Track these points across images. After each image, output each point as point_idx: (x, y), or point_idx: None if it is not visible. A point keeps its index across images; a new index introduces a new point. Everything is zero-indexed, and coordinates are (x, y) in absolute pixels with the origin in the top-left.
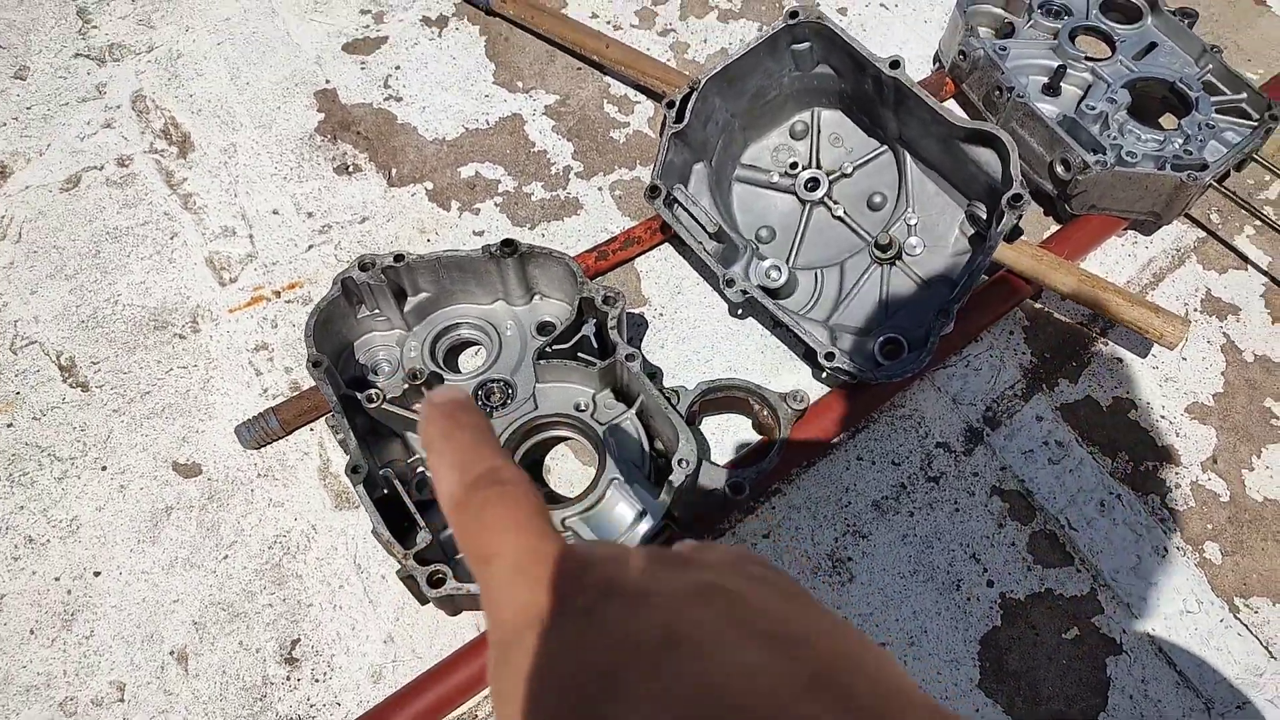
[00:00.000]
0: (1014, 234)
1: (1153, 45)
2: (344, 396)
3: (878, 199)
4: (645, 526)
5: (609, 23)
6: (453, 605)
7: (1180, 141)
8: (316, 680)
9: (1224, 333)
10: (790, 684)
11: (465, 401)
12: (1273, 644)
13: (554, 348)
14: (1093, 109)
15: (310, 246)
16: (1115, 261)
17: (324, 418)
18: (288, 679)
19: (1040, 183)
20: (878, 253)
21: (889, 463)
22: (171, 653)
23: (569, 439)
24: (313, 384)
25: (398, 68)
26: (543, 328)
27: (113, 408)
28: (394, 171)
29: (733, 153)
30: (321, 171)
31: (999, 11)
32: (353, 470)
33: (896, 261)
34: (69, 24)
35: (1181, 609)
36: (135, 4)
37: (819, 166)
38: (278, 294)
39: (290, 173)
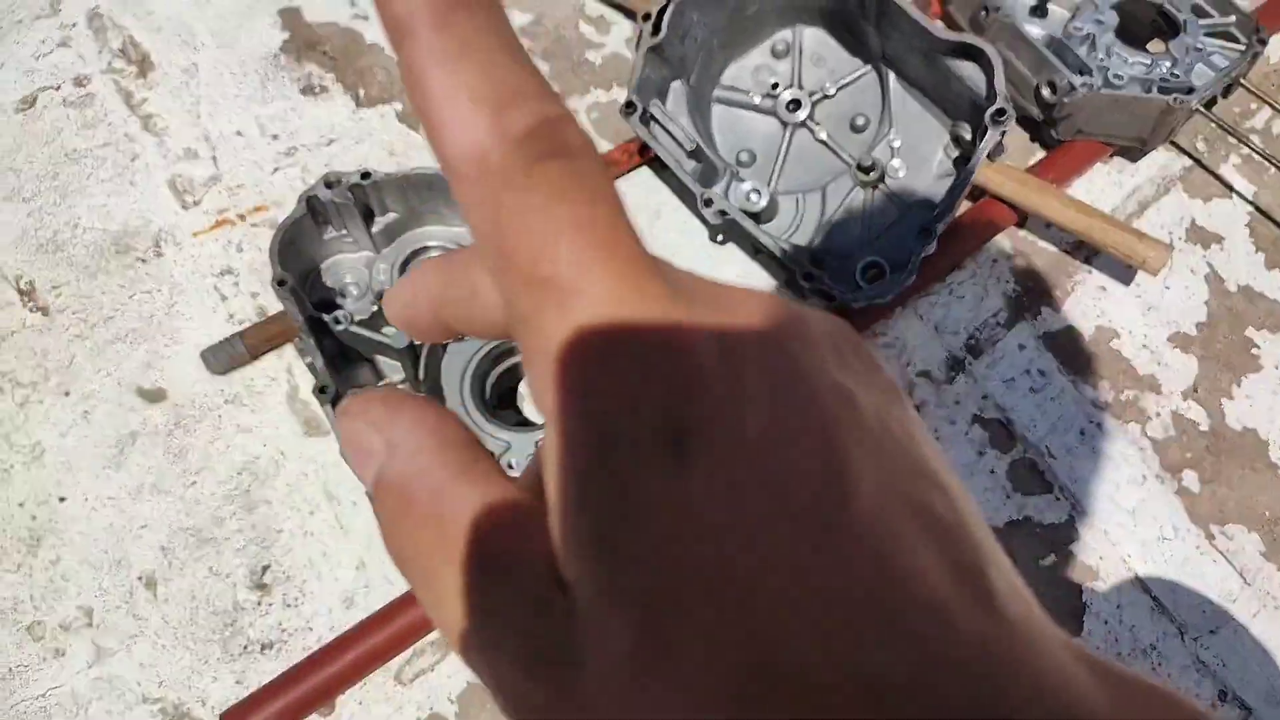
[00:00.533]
0: (997, 152)
1: None
2: (311, 318)
3: (860, 120)
4: None
5: None
6: None
7: (1168, 65)
8: (288, 605)
9: (1208, 262)
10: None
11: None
12: (1246, 570)
13: None
14: (1079, 30)
15: (276, 169)
16: (1100, 189)
17: (291, 342)
18: (259, 604)
19: (1026, 107)
20: (860, 175)
21: None
22: (140, 578)
23: None
24: (279, 309)
25: None
26: None
27: (75, 333)
28: (362, 93)
29: (712, 72)
30: (287, 92)
31: None
32: (320, 390)
33: (879, 184)
34: None
35: (1158, 536)
36: None
37: (801, 87)
38: (242, 217)
39: (254, 93)
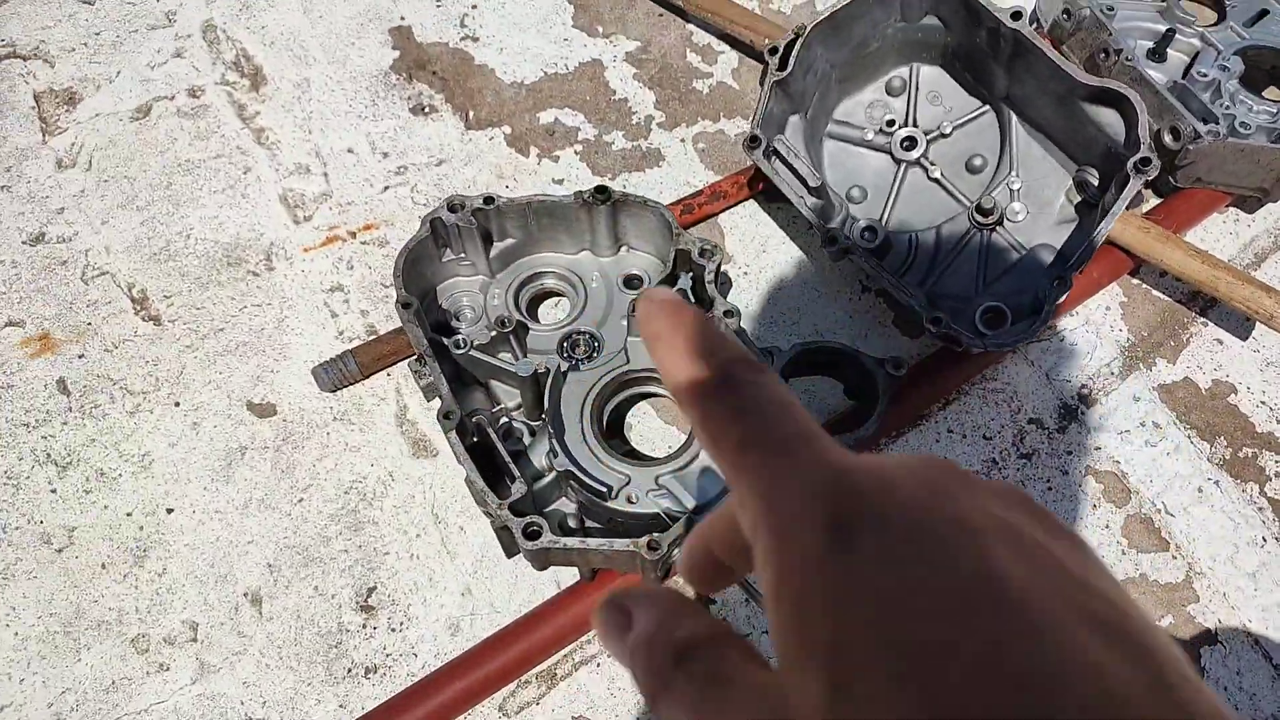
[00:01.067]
0: (1136, 201)
1: (1264, 12)
2: (431, 341)
3: (978, 161)
4: None
5: None
6: (544, 559)
7: None
8: (393, 630)
9: None
10: (1138, 692)
11: (684, 300)
12: None
13: None
14: (1204, 76)
15: (386, 188)
16: (1216, 239)
17: (404, 362)
18: (363, 626)
19: None
20: (978, 217)
21: (980, 437)
22: (245, 594)
23: (659, 395)
24: (391, 329)
25: (474, 6)
26: (629, 280)
27: (185, 343)
28: (471, 114)
29: (826, 106)
30: (397, 111)
31: None
32: (445, 416)
33: (997, 227)
34: None
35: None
36: None
37: (916, 125)
38: (353, 235)
39: (365, 111)
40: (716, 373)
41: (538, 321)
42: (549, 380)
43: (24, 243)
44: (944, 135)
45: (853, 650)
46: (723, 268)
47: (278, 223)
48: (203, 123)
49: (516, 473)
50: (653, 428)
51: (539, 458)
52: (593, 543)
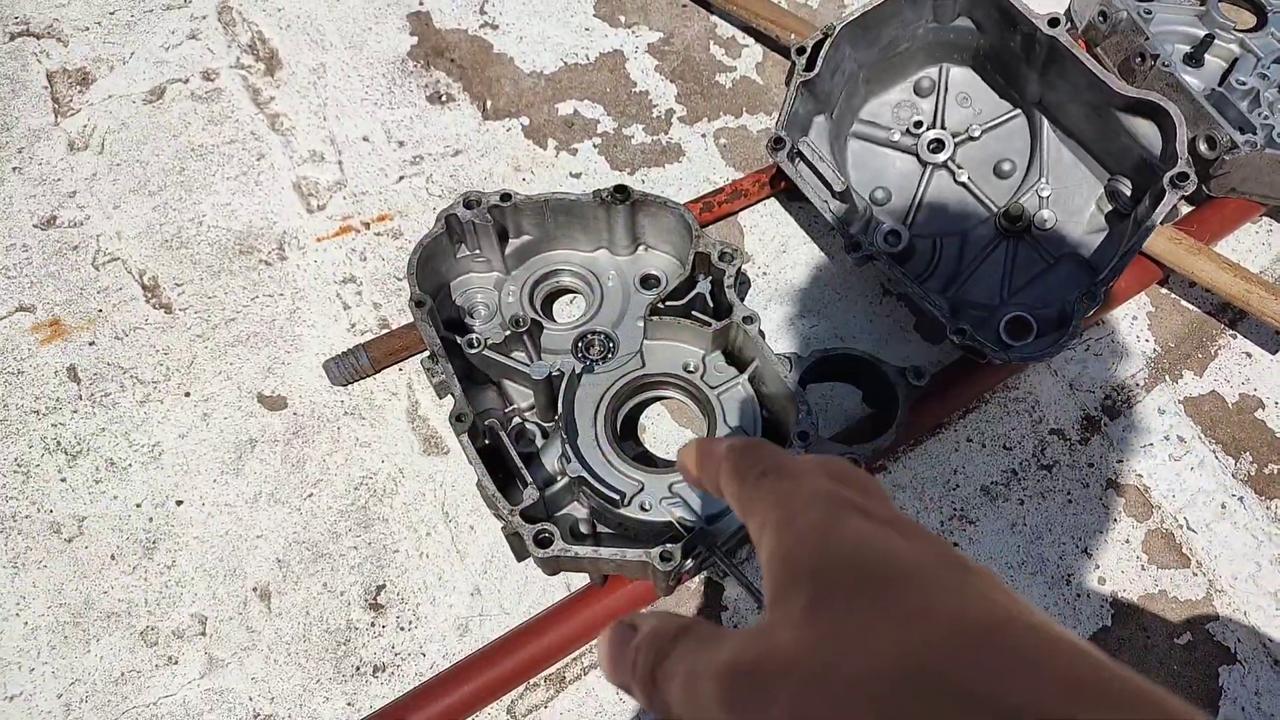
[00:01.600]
0: (1171, 215)
1: None
2: (443, 339)
3: (1006, 166)
4: None
5: None
6: (554, 565)
7: None
8: (401, 628)
9: None
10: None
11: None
12: None
13: (667, 304)
14: (1243, 84)
15: (401, 178)
16: (1248, 249)
17: (417, 358)
18: (372, 625)
19: None
20: (1005, 224)
21: (1000, 447)
22: (254, 589)
23: (671, 399)
24: (403, 322)
25: None
26: (646, 280)
27: (196, 332)
28: (489, 104)
29: (852, 105)
30: (413, 99)
31: None
32: (457, 418)
33: (1025, 235)
34: None
35: None
36: None
37: (944, 127)
38: (367, 225)
39: (381, 98)
40: (743, 449)
41: (553, 319)
42: (563, 384)
43: (35, 226)
44: (972, 138)
45: (830, 573)
46: (742, 269)
47: (291, 211)
48: (217, 107)
49: (529, 478)
50: (666, 430)
51: (551, 461)
52: (605, 552)
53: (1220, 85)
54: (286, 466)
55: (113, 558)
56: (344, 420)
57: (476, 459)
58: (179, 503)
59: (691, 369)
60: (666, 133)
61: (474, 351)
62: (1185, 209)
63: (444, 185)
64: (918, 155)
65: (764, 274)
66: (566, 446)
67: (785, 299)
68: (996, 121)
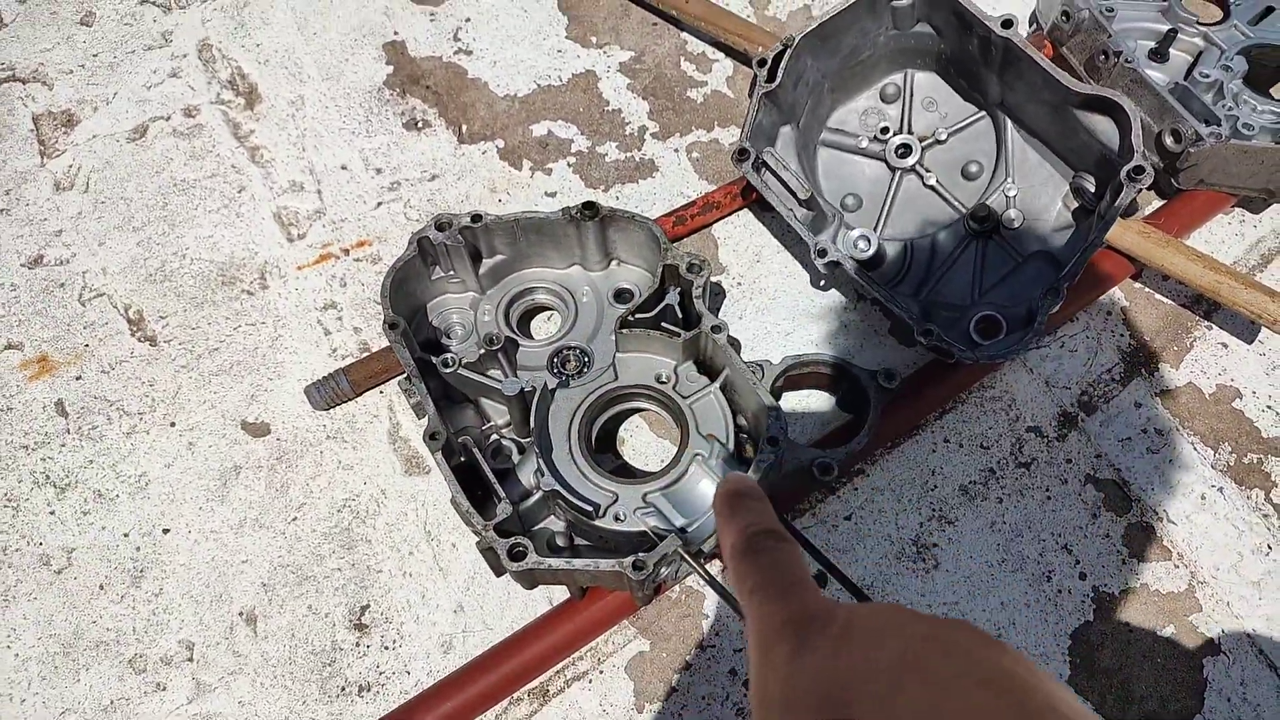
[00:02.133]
0: (1131, 209)
1: (1270, 9)
2: (419, 360)
3: (973, 168)
4: None
5: None
6: (531, 579)
7: None
8: (386, 648)
9: None
10: (1004, 714)
11: (752, 486)
12: None
13: (637, 316)
14: (1206, 77)
15: (379, 204)
16: (1221, 241)
17: (395, 380)
18: (357, 645)
19: (1146, 155)
20: (973, 224)
21: (977, 446)
22: (240, 613)
23: (648, 410)
24: (382, 345)
25: (468, 20)
26: (620, 295)
27: (181, 363)
28: (464, 128)
29: (819, 115)
30: (390, 126)
31: None
32: (431, 437)
33: (994, 235)
34: None
35: None
36: None
37: (911, 132)
38: (346, 252)
39: (359, 127)
40: (748, 542)
41: (529, 337)
42: (535, 399)
43: (23, 265)
44: (939, 142)
45: (795, 702)
46: (716, 279)
47: (272, 241)
48: (198, 142)
49: (502, 493)
50: (645, 441)
51: (527, 476)
52: (578, 563)
53: (1185, 79)
54: (271, 491)
55: (101, 587)
56: (326, 444)
57: (450, 476)
58: (166, 531)
59: (664, 380)
60: (640, 149)
61: (449, 371)
62: (1156, 203)
63: (422, 210)
64: (886, 161)
65: (739, 284)
66: (540, 460)
67: (760, 309)
68: (962, 124)
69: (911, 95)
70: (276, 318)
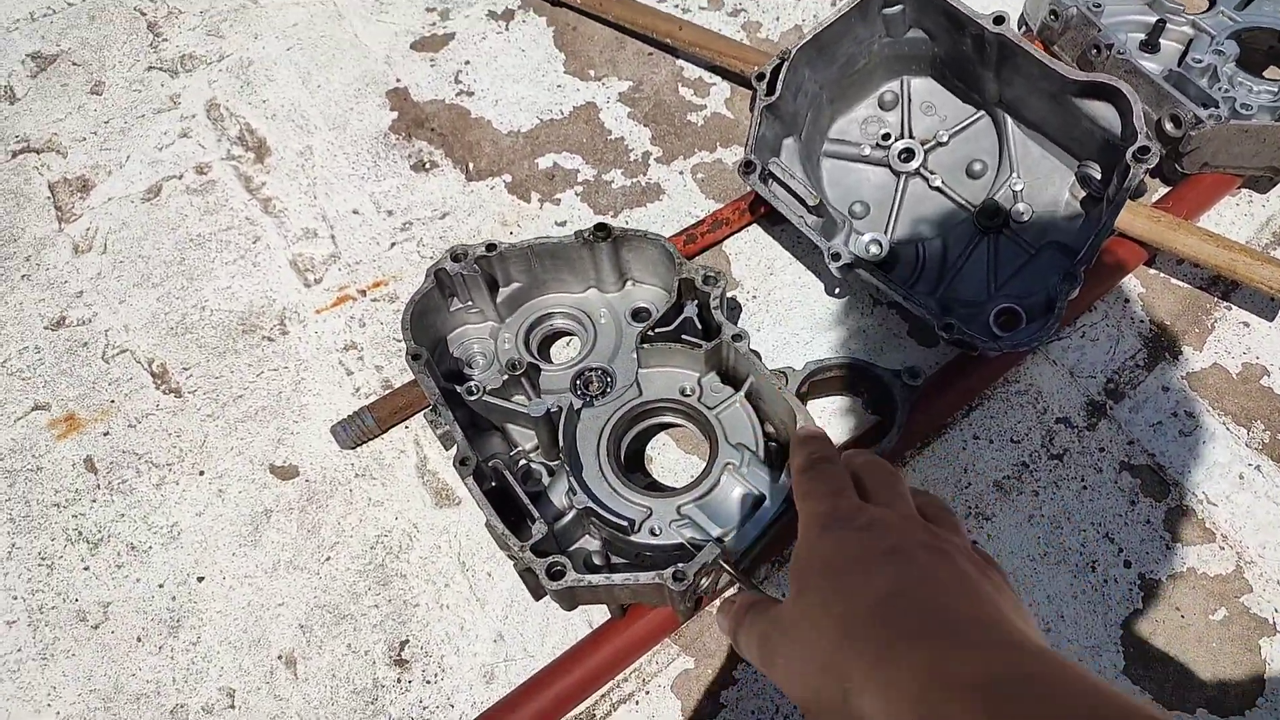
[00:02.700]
0: (1139, 191)
1: None
2: (444, 390)
3: (977, 166)
4: (766, 509)
5: (677, 6)
6: (570, 598)
7: None
8: (428, 682)
9: None
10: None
11: (818, 430)
12: None
13: (657, 331)
14: (1199, 62)
15: (393, 244)
16: (1230, 222)
17: (420, 413)
18: (398, 681)
19: None
20: (983, 221)
21: (1008, 440)
22: (279, 657)
23: (675, 425)
24: (405, 381)
25: (467, 63)
26: (637, 314)
27: (206, 413)
28: (471, 166)
29: (820, 127)
30: (399, 169)
31: None
32: (461, 463)
33: (1004, 230)
34: (140, 38)
35: None
36: (204, 16)
37: (912, 136)
38: (363, 293)
39: (368, 172)
40: (806, 462)
41: (550, 362)
42: (562, 418)
43: (46, 328)
44: (941, 144)
45: (810, 568)
46: (731, 294)
47: (289, 287)
48: (211, 197)
49: (536, 513)
50: (673, 459)
51: (559, 497)
52: (617, 578)
53: (1179, 66)
54: (303, 533)
55: (139, 640)
56: (355, 482)
57: (484, 500)
58: (200, 579)
59: (688, 392)
60: (645, 174)
61: (474, 399)
62: (1162, 190)
63: (434, 247)
64: (890, 166)
65: (754, 298)
66: (571, 479)
67: (777, 320)
68: (962, 125)
69: (909, 100)
70: (298, 361)
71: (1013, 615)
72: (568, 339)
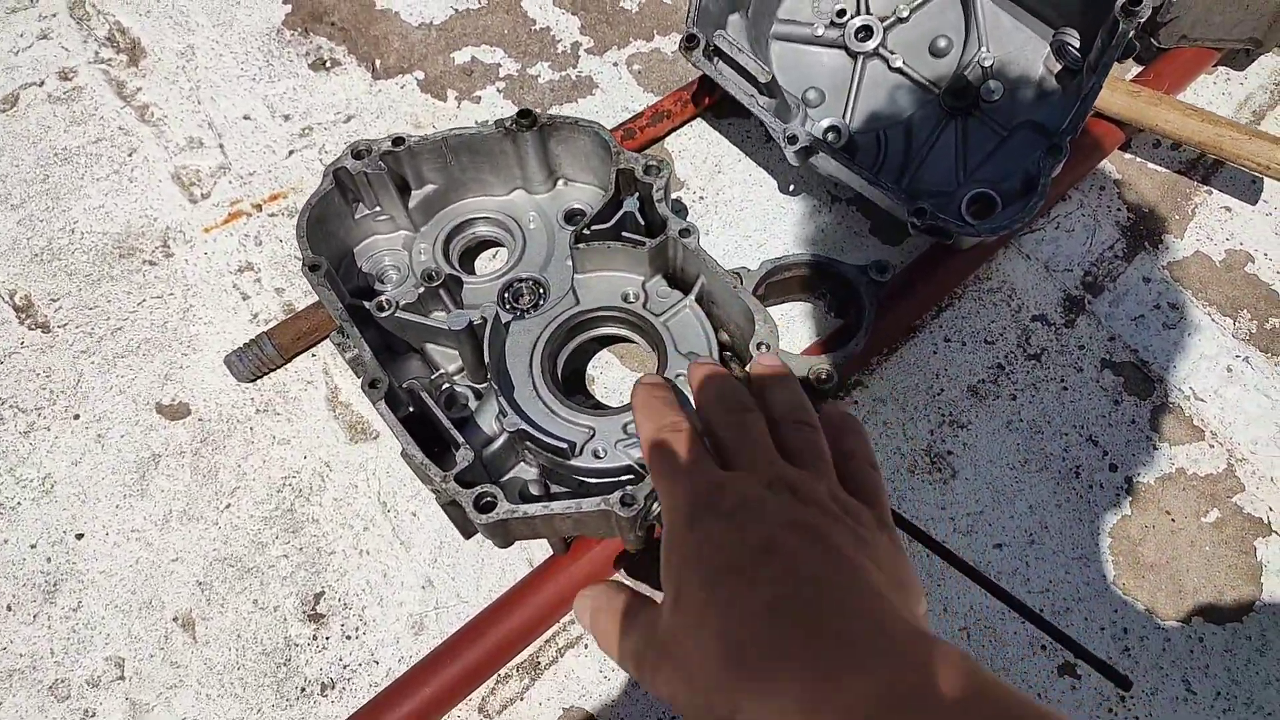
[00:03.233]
0: (1129, 50)
1: None
2: (350, 306)
3: (942, 43)
4: None
5: None
6: (504, 533)
7: None
8: (348, 637)
9: None
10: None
11: (662, 382)
12: None
13: (593, 229)
14: None
15: (291, 152)
16: (1207, 102)
17: (328, 337)
18: (314, 638)
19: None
20: (950, 102)
21: (981, 342)
22: (175, 619)
23: (618, 338)
24: (308, 304)
25: None
26: (571, 216)
27: (80, 348)
28: (378, 63)
29: (768, 4)
30: (295, 69)
31: None
32: (370, 385)
33: (972, 111)
34: None
35: None
36: None
37: (869, 12)
38: (258, 207)
39: (259, 73)
40: (654, 436)
41: (473, 274)
42: (487, 330)
43: None
44: (902, 20)
45: (684, 572)
46: (675, 195)
47: (172, 204)
48: (78, 106)
49: (461, 439)
50: (618, 378)
51: (488, 422)
52: (557, 506)
53: None
54: (197, 479)
55: (9, 608)
56: (256, 419)
57: (398, 426)
58: (79, 536)
59: (631, 298)
60: (575, 66)
61: (385, 315)
62: (1135, 69)
63: (338, 154)
64: (846, 47)
65: (700, 198)
66: (501, 399)
67: (727, 222)
68: None
69: None
70: (186, 287)
71: (895, 597)
72: (494, 250)
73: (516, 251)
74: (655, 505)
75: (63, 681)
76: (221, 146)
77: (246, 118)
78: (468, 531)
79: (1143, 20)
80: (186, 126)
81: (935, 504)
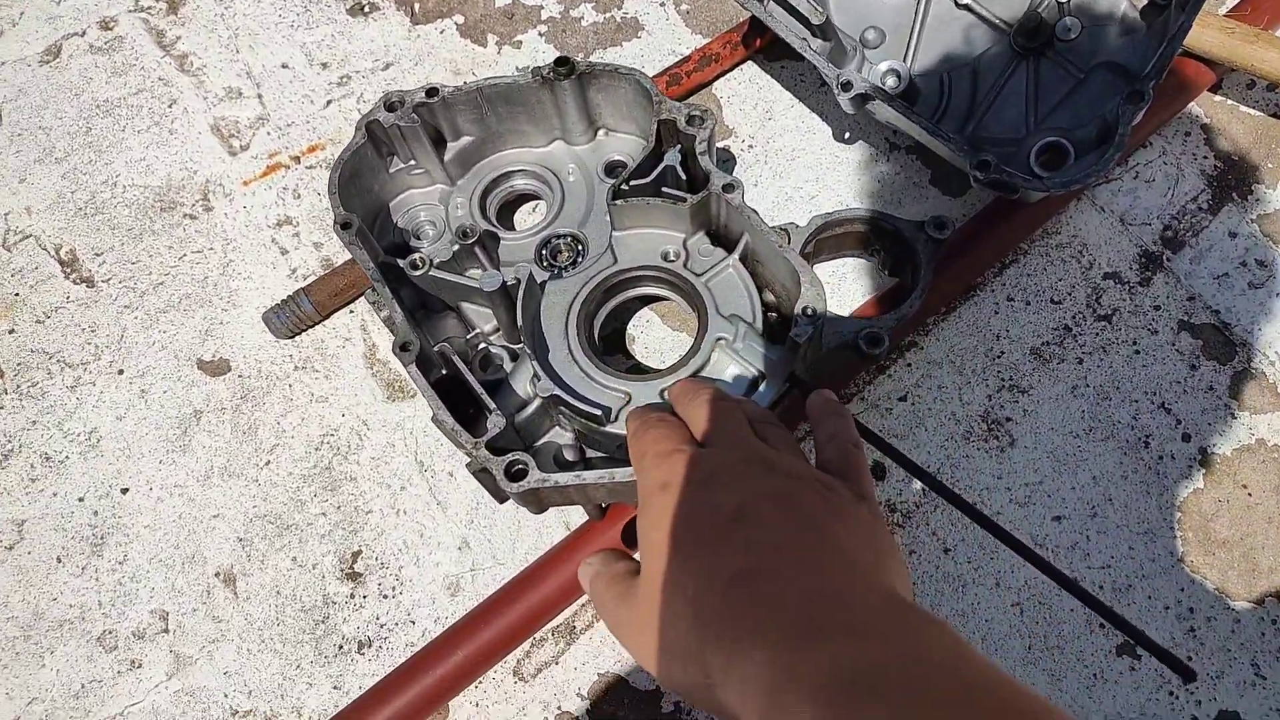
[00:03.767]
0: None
1: None
2: (383, 264)
3: None
4: (765, 391)
5: None
6: (537, 500)
7: None
8: (385, 596)
9: None
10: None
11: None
12: None
13: (632, 184)
14: None
15: (329, 102)
16: None
17: (364, 294)
18: (351, 596)
19: None
20: (1022, 41)
21: (1047, 301)
22: (217, 574)
23: (658, 297)
24: (347, 259)
25: None
26: (611, 169)
27: (124, 303)
28: (417, 6)
29: None
30: (333, 15)
31: None
32: (401, 348)
33: (1046, 51)
34: None
35: None
36: None
37: None
38: (297, 159)
39: (297, 19)
40: (635, 423)
41: (513, 229)
42: (520, 290)
43: None
44: None
45: (657, 538)
46: (722, 143)
47: (212, 157)
48: (119, 56)
49: (493, 404)
50: (658, 337)
51: (523, 385)
52: (589, 476)
53: None
54: (237, 435)
55: (59, 560)
56: (295, 376)
57: (430, 390)
58: (124, 491)
59: (671, 257)
60: (620, 7)
61: (419, 273)
62: (1230, 1)
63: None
64: None
65: (750, 146)
66: (534, 363)
67: (777, 171)
68: None
69: None
70: (226, 241)
71: (870, 566)
72: (534, 204)
73: (555, 206)
74: None
75: (110, 633)
76: (260, 97)
77: (285, 66)
78: (500, 497)
79: None
80: (225, 76)
81: (991, 473)
